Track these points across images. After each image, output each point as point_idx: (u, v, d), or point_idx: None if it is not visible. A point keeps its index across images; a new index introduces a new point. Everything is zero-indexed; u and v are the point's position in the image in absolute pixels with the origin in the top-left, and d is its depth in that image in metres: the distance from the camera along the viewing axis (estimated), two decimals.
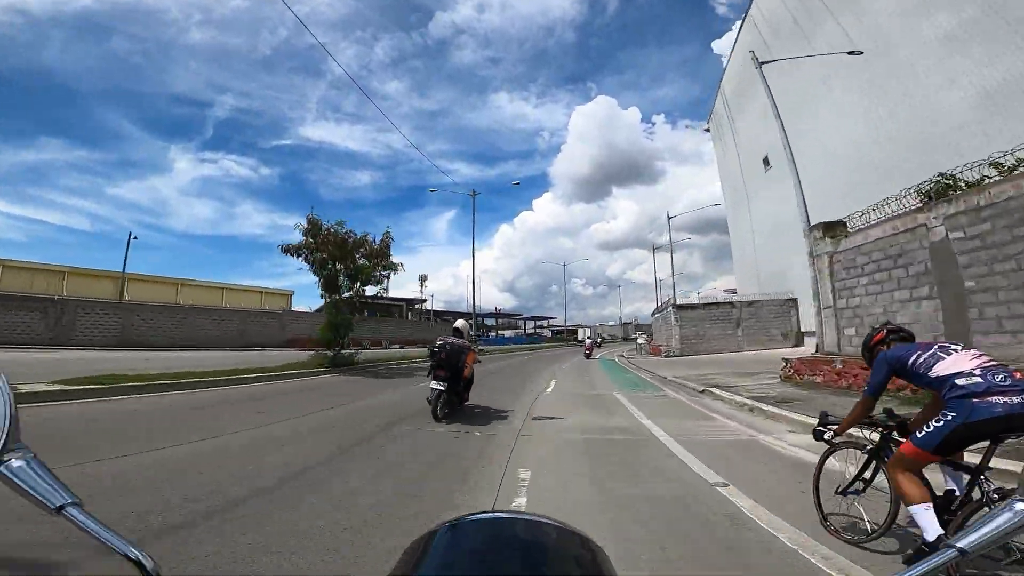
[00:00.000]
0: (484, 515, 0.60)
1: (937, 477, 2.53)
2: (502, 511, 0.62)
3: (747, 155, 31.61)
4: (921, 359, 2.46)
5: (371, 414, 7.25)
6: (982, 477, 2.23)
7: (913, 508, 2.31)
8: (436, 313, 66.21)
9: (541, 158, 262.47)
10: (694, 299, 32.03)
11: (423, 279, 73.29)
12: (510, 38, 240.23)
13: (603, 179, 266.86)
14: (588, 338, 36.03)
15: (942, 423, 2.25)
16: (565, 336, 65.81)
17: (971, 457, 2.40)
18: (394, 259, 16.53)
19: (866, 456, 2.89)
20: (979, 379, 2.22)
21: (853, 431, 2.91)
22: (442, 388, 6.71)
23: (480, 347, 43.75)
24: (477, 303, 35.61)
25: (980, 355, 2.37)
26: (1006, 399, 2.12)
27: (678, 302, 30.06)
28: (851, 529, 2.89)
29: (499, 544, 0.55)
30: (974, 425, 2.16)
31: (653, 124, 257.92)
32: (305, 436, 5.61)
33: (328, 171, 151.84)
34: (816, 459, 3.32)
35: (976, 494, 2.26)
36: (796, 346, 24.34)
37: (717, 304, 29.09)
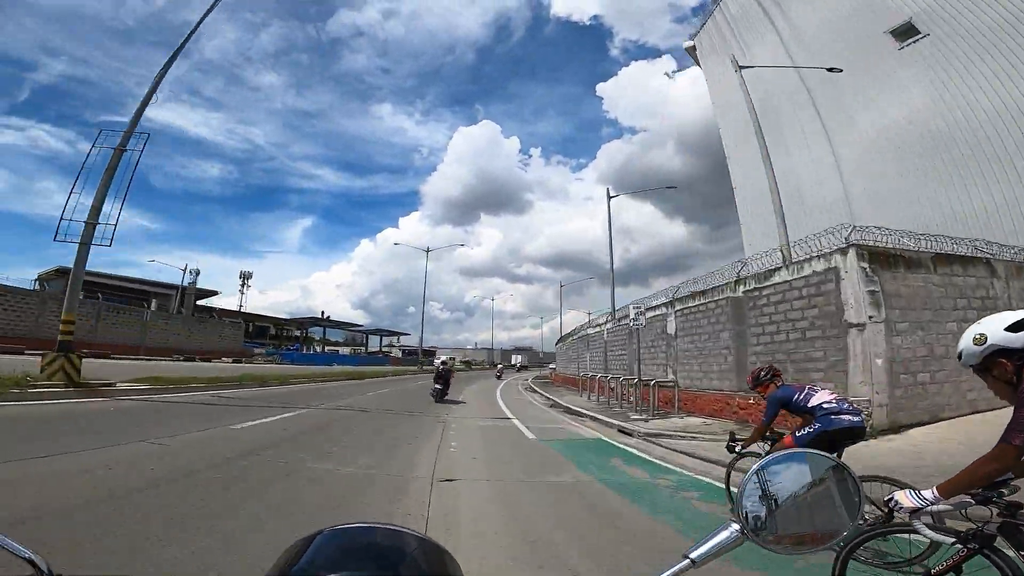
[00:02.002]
0: (358, 524, 0.68)
1: None
2: (376, 523, 0.69)
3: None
4: (800, 396, 3.76)
5: None
6: None
7: None
8: (250, 317, 55.72)
9: (415, 176, 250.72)
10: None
11: (245, 277, 62.28)
12: (409, 50, 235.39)
13: (474, 204, 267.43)
14: (499, 363, 47.19)
15: (813, 428, 3.52)
16: (421, 358, 47.95)
17: None
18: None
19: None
20: (835, 405, 3.60)
21: (753, 447, 3.99)
22: (440, 387, 14.11)
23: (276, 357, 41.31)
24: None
25: (832, 392, 3.89)
26: (849, 417, 3.51)
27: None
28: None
29: (364, 549, 0.63)
30: (831, 432, 3.47)
31: (529, 156, 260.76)
32: None
33: (168, 157, 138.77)
34: None
35: None
36: None
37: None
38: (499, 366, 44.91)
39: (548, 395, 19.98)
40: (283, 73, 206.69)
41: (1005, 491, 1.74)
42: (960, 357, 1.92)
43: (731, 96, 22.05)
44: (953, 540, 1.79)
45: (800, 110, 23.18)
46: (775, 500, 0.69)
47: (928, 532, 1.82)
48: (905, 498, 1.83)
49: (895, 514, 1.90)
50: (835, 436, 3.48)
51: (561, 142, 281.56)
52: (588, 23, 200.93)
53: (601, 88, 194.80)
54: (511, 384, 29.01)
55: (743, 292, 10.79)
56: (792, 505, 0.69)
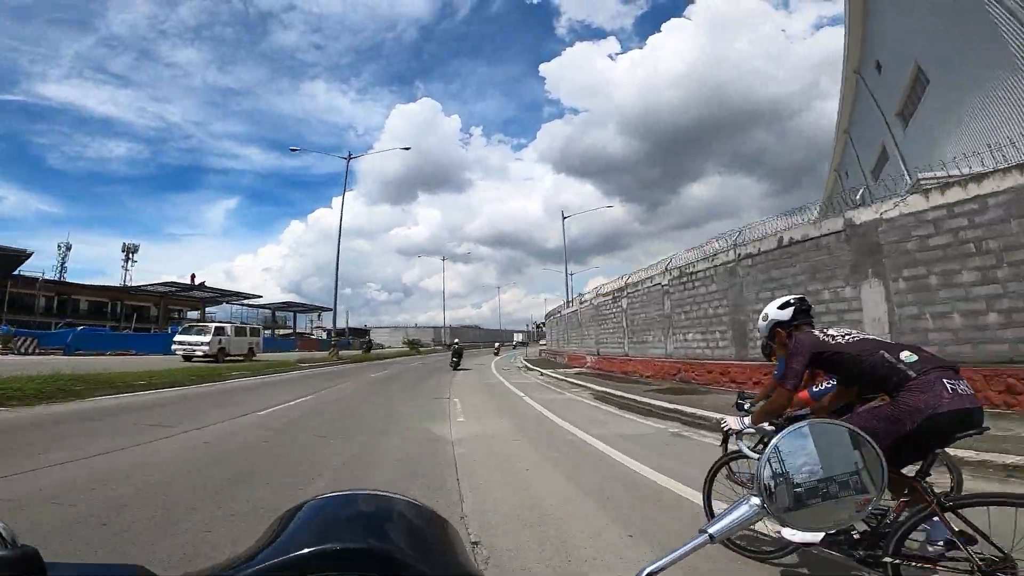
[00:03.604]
0: (347, 492, 0.66)
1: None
2: (366, 489, 0.66)
3: None
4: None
5: None
6: None
7: None
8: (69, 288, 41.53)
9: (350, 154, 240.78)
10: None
11: (129, 250, 53.05)
12: (346, 25, 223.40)
13: (413, 183, 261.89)
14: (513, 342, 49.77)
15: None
16: (333, 340, 33.28)
17: None
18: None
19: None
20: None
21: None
22: (457, 360, 21.60)
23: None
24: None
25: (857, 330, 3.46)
26: None
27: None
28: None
29: (354, 516, 0.62)
30: None
31: (470, 135, 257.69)
32: None
33: (68, 136, 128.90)
34: None
35: None
36: None
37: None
38: (497, 345, 47.96)
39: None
40: (204, 49, 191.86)
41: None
42: (760, 331, 2.82)
43: None
44: (757, 456, 2.12)
45: None
46: (795, 473, 0.67)
47: (747, 452, 2.48)
48: (733, 422, 2.71)
49: (729, 434, 2.76)
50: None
51: (503, 121, 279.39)
52: (535, 1, 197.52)
53: (545, 68, 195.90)
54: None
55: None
56: (813, 478, 0.66)
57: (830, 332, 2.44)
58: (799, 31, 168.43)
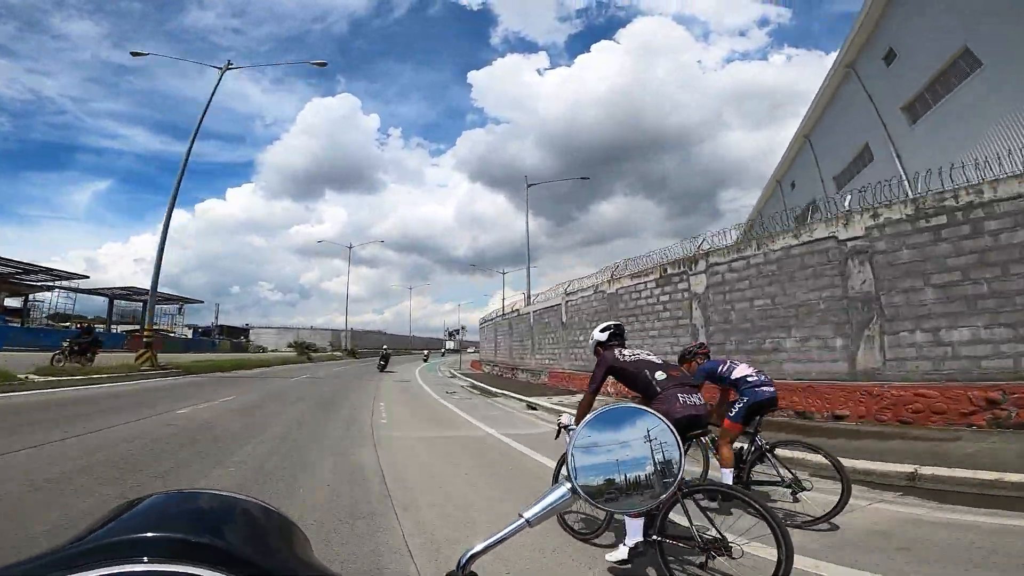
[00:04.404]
0: (193, 490, 0.67)
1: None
2: (214, 489, 0.67)
3: None
4: (724, 368, 4.13)
5: None
6: (757, 438, 3.86)
7: (724, 470, 3.81)
8: None
9: (252, 145, 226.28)
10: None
11: None
12: (271, 12, 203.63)
13: (320, 178, 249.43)
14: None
15: (742, 404, 3.89)
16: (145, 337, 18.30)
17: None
18: None
19: None
20: (755, 378, 3.98)
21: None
22: (384, 363, 24.81)
23: None
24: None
25: (749, 365, 4.18)
26: (769, 388, 3.94)
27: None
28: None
29: (199, 511, 0.61)
30: (757, 403, 3.88)
31: (388, 135, 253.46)
32: None
33: None
34: None
35: (753, 448, 3.87)
36: None
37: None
38: (427, 352, 43.41)
39: None
40: (103, 23, 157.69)
41: None
42: (591, 348, 3.48)
43: None
44: None
45: None
46: (604, 458, 0.72)
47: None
48: (564, 419, 3.27)
49: (560, 429, 3.17)
50: (759, 407, 3.88)
51: (424, 125, 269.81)
52: (476, 8, 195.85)
53: (473, 76, 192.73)
54: None
55: None
56: (620, 462, 0.72)
57: (624, 352, 3.22)
58: (712, 62, 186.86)
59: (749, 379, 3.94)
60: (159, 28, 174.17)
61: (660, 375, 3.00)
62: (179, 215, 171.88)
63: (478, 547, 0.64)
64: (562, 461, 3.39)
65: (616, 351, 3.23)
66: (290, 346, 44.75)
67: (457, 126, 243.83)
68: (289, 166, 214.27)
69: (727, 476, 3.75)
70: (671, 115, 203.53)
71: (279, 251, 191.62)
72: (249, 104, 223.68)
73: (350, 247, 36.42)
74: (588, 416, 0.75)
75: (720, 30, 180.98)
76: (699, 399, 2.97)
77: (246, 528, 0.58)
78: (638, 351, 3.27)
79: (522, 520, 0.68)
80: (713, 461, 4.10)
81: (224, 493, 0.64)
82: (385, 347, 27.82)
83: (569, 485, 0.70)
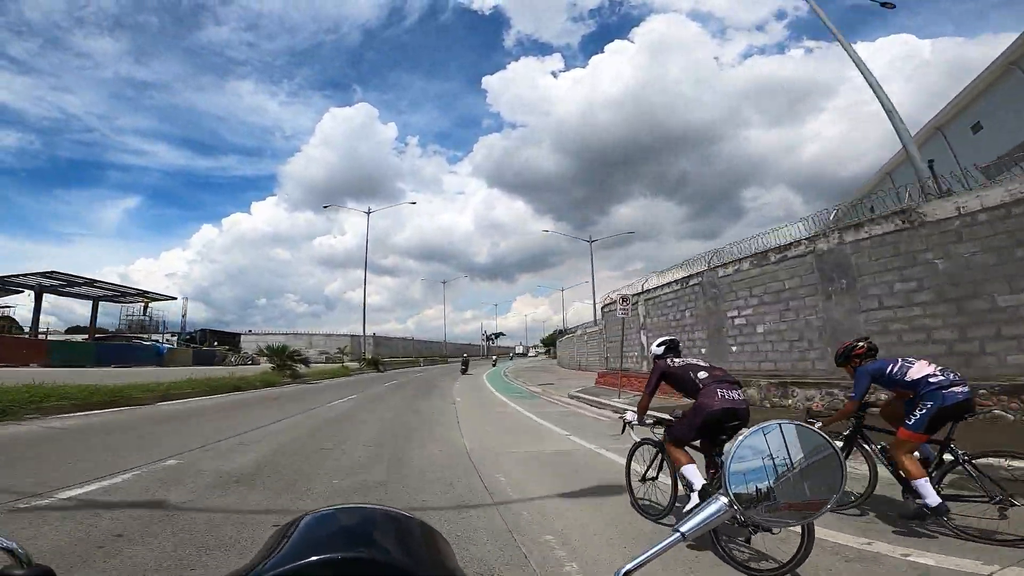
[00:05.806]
0: (342, 506, 0.69)
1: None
2: (361, 503, 0.70)
3: None
4: (895, 369, 3.51)
5: None
6: (951, 445, 3.30)
7: (916, 482, 3.20)
8: None
9: (272, 158, 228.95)
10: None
11: None
12: (285, 25, 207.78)
13: (340, 190, 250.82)
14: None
15: (924, 410, 3.25)
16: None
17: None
18: None
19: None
20: (942, 377, 3.30)
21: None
22: (465, 367, 31.95)
23: None
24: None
25: (931, 363, 3.46)
26: (962, 389, 3.25)
27: None
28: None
29: (352, 527, 0.65)
30: (947, 408, 3.21)
31: (406, 144, 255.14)
32: None
33: None
34: None
35: (948, 457, 3.32)
36: None
37: None
38: (495, 358, 51.82)
39: None
40: (123, 39, 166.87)
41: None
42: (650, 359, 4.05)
43: None
44: (657, 438, 3.90)
45: None
46: (762, 473, 0.71)
47: (634, 437, 4.15)
48: (629, 416, 3.86)
49: (625, 425, 3.89)
50: (948, 412, 3.27)
51: (440, 132, 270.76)
52: (488, 13, 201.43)
53: (487, 81, 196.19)
54: None
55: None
56: (779, 477, 0.71)
57: (675, 360, 3.71)
58: (730, 59, 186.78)
59: (932, 379, 3.30)
60: (177, 44, 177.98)
61: (703, 375, 3.42)
62: (207, 230, 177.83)
63: (632, 563, 0.63)
64: (631, 456, 4.11)
65: (668, 360, 3.73)
66: (264, 354, 26.31)
67: (473, 132, 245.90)
68: (310, 178, 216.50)
69: (922, 487, 3.15)
70: (687, 114, 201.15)
71: (304, 262, 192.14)
72: (268, 117, 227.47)
73: (368, 212, 36.98)
74: (746, 431, 0.74)
75: (736, 25, 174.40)
76: (739, 394, 3.27)
77: (399, 540, 0.62)
78: (688, 359, 3.74)
79: (677, 535, 0.67)
80: (883, 472, 3.64)
81: (373, 506, 0.68)
82: (465, 355, 39.49)
83: (725, 500, 0.69)
